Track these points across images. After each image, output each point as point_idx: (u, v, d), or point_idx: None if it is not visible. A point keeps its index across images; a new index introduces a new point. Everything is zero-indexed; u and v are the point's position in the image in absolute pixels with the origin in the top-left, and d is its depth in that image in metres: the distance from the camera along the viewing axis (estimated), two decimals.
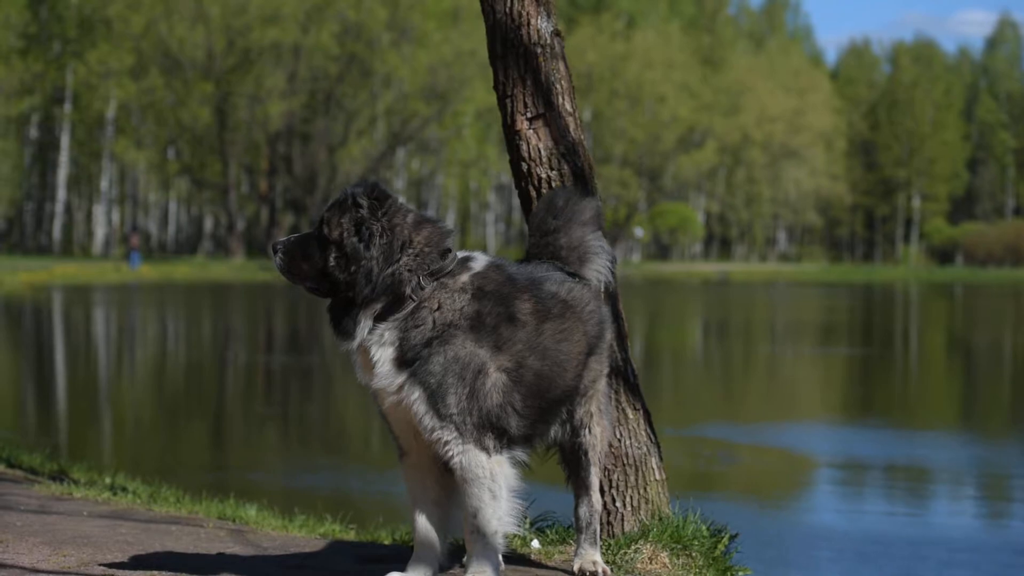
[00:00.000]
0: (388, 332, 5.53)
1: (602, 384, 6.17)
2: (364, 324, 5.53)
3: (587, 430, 6.11)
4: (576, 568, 6.16)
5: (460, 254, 5.68)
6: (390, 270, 5.50)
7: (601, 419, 6.16)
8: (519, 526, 5.69)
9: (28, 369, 26.91)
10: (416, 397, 5.51)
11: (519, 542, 6.81)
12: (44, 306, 46.97)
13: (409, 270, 5.52)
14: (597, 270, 6.15)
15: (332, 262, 5.53)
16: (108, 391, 23.44)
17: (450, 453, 5.53)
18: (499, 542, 5.62)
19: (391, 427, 5.73)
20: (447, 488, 5.73)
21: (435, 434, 5.52)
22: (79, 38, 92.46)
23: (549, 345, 5.73)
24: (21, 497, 8.49)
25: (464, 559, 5.78)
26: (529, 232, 6.30)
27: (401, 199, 5.73)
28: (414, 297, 5.52)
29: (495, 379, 5.57)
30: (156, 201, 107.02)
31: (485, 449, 5.55)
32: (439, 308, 5.54)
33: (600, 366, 6.12)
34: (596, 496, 6.18)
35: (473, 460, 5.53)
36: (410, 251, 5.55)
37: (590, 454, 6.13)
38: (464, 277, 5.60)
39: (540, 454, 6.11)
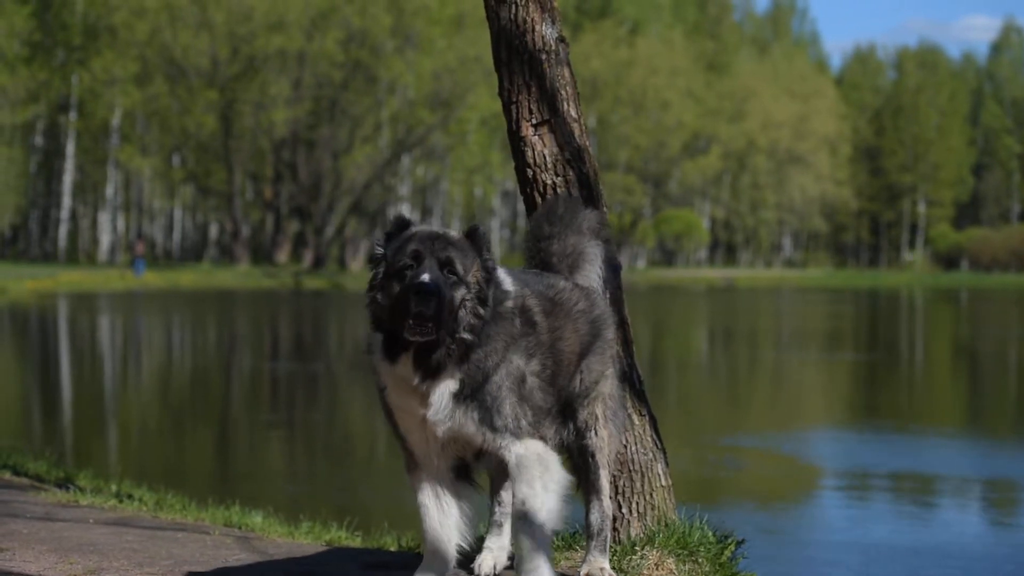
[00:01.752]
0: (456, 373, 5.44)
1: (607, 387, 6.15)
2: (450, 365, 5.41)
3: (592, 432, 6.09)
4: (583, 574, 6.14)
5: None
6: (488, 314, 5.46)
7: (607, 423, 6.16)
8: (565, 525, 5.69)
9: (34, 377, 26.93)
10: (470, 419, 5.46)
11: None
12: (50, 314, 47.01)
13: (478, 315, 5.45)
14: (587, 277, 6.16)
15: (462, 304, 5.37)
16: (114, 398, 23.45)
17: (507, 451, 5.51)
18: (549, 537, 5.57)
19: (409, 442, 5.65)
20: (459, 497, 5.71)
21: (490, 444, 5.51)
22: (84, 46, 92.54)
23: (553, 343, 5.77)
24: (27, 504, 8.49)
25: (512, 550, 5.71)
26: (525, 237, 6.32)
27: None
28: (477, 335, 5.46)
29: (531, 383, 5.61)
30: (161, 208, 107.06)
31: (543, 439, 5.61)
32: (497, 335, 5.50)
33: (602, 367, 6.11)
34: (607, 502, 6.16)
35: (531, 448, 5.52)
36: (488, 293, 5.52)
37: (597, 456, 6.11)
38: (509, 303, 5.56)
39: None
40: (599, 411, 6.11)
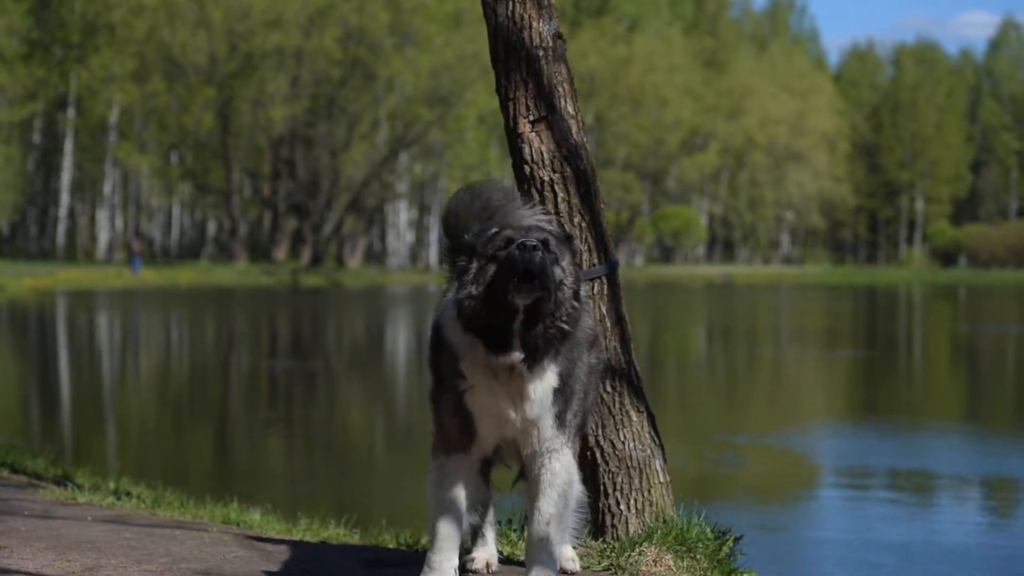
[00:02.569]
0: (553, 365, 5.38)
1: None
2: (552, 352, 5.34)
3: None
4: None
5: None
6: (580, 311, 5.41)
7: (588, 419, 6.24)
8: (577, 539, 5.72)
9: (32, 374, 26.94)
10: (552, 413, 5.44)
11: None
12: (48, 311, 47.01)
13: (575, 305, 5.40)
14: None
15: (561, 287, 5.26)
16: (112, 396, 23.46)
17: (549, 460, 5.49)
18: (559, 552, 5.62)
19: (476, 438, 5.52)
20: (478, 493, 5.69)
21: (549, 443, 5.48)
22: (82, 43, 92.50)
23: (595, 338, 5.85)
24: (25, 502, 8.49)
25: (526, 563, 5.69)
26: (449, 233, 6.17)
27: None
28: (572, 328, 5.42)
29: (592, 380, 5.68)
30: (159, 206, 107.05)
31: (575, 454, 5.61)
32: (586, 330, 5.53)
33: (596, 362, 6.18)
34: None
35: (566, 466, 5.51)
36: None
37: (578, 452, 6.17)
38: (584, 295, 5.54)
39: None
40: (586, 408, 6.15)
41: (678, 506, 6.96)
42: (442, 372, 5.49)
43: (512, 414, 5.38)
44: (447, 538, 5.59)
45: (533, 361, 5.25)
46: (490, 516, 6.14)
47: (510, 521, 7.08)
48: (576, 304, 5.33)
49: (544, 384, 5.36)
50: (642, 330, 38.90)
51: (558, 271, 5.23)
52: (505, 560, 6.41)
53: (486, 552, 6.12)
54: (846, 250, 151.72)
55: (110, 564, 6.41)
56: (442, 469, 5.57)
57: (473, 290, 5.25)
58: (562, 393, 5.42)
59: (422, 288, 73.11)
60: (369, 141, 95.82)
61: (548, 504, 5.51)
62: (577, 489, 5.60)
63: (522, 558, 6.56)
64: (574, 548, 6.22)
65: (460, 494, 5.59)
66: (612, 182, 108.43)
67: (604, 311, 6.90)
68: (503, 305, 5.17)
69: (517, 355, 5.23)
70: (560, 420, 5.46)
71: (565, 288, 5.27)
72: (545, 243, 5.23)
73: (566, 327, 5.27)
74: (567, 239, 5.48)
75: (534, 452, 5.50)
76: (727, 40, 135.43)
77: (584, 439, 6.84)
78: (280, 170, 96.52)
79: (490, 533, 6.17)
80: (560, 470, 5.49)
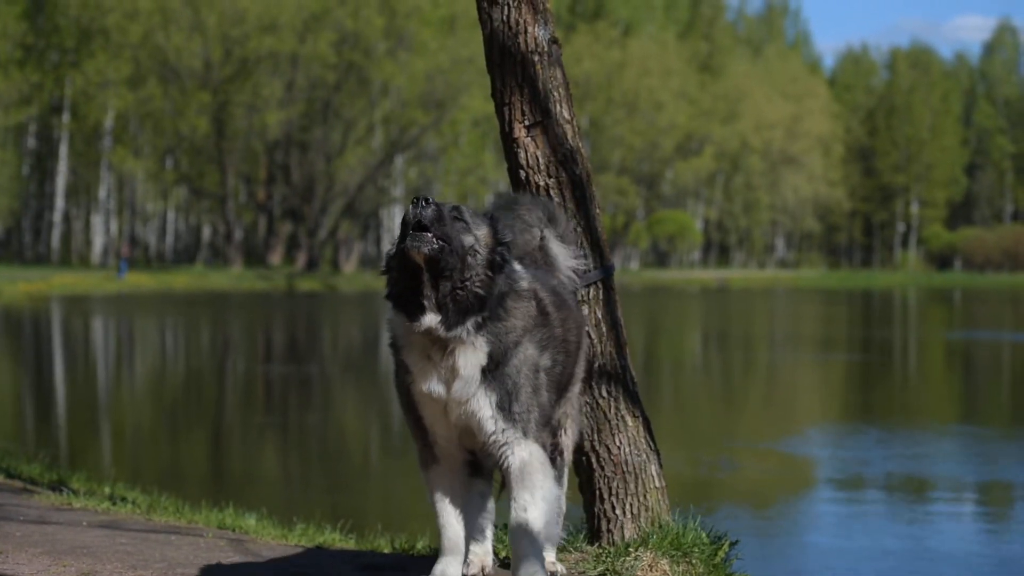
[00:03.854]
0: (480, 339, 5.45)
1: (577, 387, 6.23)
2: (469, 325, 5.41)
3: (563, 431, 6.18)
4: None
5: None
6: (501, 289, 5.47)
7: (573, 422, 6.26)
8: (563, 530, 5.72)
9: (27, 379, 26.91)
10: (489, 401, 5.48)
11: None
12: (43, 316, 46.97)
13: (489, 274, 5.48)
14: (560, 271, 6.28)
15: (471, 252, 5.37)
16: (107, 401, 23.44)
17: (510, 451, 5.52)
18: (544, 543, 5.63)
19: (431, 435, 5.67)
20: (471, 493, 5.78)
21: (497, 436, 5.51)
22: (77, 48, 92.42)
23: (564, 336, 5.83)
24: (21, 507, 8.48)
25: (511, 555, 5.72)
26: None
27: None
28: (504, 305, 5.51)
29: (542, 378, 5.64)
30: (154, 211, 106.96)
31: (544, 446, 5.60)
32: (520, 316, 5.54)
33: (581, 368, 6.20)
34: (563, 499, 6.24)
35: (535, 455, 5.54)
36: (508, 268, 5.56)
37: (565, 455, 6.20)
38: (524, 283, 5.59)
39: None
40: (569, 409, 6.19)
41: (674, 511, 6.96)
42: (397, 377, 5.64)
43: (445, 393, 5.46)
44: (449, 549, 5.71)
45: (448, 324, 5.34)
46: (488, 516, 6.16)
47: (506, 526, 7.07)
48: (491, 273, 5.40)
49: (472, 359, 5.42)
50: (637, 335, 38.90)
51: (468, 238, 5.36)
52: (504, 564, 6.41)
53: (482, 551, 6.14)
54: (841, 254, 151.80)
55: (105, 569, 6.40)
56: (428, 482, 5.72)
57: (392, 262, 5.46)
58: (497, 378, 5.46)
59: None
60: (364, 145, 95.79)
61: (522, 492, 5.55)
62: (552, 483, 5.61)
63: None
64: (571, 552, 6.23)
65: (454, 502, 5.69)
66: (607, 186, 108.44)
67: (599, 316, 6.91)
68: (406, 261, 5.33)
69: (431, 317, 5.34)
70: (505, 411, 5.48)
71: (478, 256, 5.37)
72: (458, 209, 5.40)
73: (480, 291, 5.36)
74: (491, 217, 5.56)
75: (486, 445, 5.54)
76: (722, 44, 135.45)
77: (579, 444, 6.84)
78: (275, 175, 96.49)
79: (487, 533, 6.19)
80: (529, 459, 5.53)
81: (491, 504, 6.09)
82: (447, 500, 5.70)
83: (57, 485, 10.02)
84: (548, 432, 5.70)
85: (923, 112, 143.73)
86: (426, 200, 5.29)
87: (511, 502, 5.58)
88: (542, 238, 6.27)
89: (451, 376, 5.45)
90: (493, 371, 5.45)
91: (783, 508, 14.28)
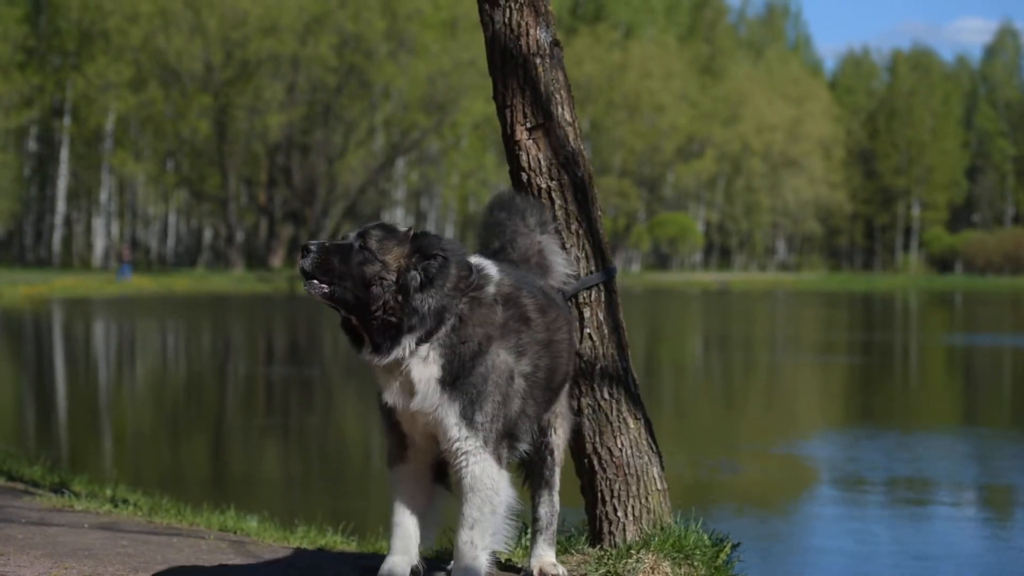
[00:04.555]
0: (432, 352, 5.52)
1: (566, 386, 6.26)
2: (407, 344, 5.50)
3: (553, 430, 6.20)
4: (536, 570, 6.24)
5: (471, 261, 5.72)
6: (437, 301, 5.51)
7: (564, 421, 6.27)
8: (508, 546, 5.74)
9: (28, 382, 26.91)
10: (453, 411, 5.53)
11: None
12: (44, 319, 46.97)
13: (450, 295, 5.53)
14: (555, 276, 6.32)
15: (377, 280, 5.47)
16: (108, 403, 23.44)
17: (466, 462, 5.57)
18: (488, 557, 5.66)
19: (400, 437, 5.74)
20: (431, 498, 5.81)
21: (460, 444, 5.56)
22: (78, 51, 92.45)
23: (550, 339, 5.84)
24: (22, 510, 8.48)
25: (451, 569, 5.77)
26: (484, 229, 6.37)
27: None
28: (450, 316, 5.53)
29: (517, 384, 5.67)
30: (155, 213, 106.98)
31: (499, 460, 5.62)
32: (480, 323, 5.57)
33: (570, 367, 6.21)
34: (557, 497, 6.27)
35: (486, 471, 5.57)
36: (451, 278, 5.56)
37: (556, 454, 6.23)
38: (491, 288, 5.64)
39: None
40: (559, 409, 6.21)
41: (675, 513, 6.96)
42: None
43: (407, 405, 5.57)
44: (398, 549, 5.77)
45: (380, 351, 5.49)
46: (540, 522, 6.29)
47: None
48: (399, 298, 5.47)
49: (425, 373, 5.52)
50: (639, 337, 38.89)
51: (372, 267, 5.46)
52: (504, 567, 6.40)
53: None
54: (842, 256, 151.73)
55: (107, 572, 6.40)
56: (391, 480, 5.82)
57: None
58: (460, 388, 5.52)
59: None
60: (365, 148, 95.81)
61: (471, 509, 5.61)
62: (505, 495, 5.64)
63: (518, 564, 6.57)
64: (572, 554, 6.24)
65: (413, 503, 5.76)
66: (608, 189, 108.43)
67: (601, 318, 6.91)
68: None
69: (366, 348, 5.54)
70: (467, 419, 5.53)
71: (385, 282, 5.47)
72: (364, 236, 5.52)
73: (391, 319, 5.45)
74: (415, 234, 5.60)
75: (447, 452, 5.61)
76: (723, 46, 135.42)
77: (581, 446, 6.85)
78: (276, 177, 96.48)
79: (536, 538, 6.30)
80: (480, 475, 5.57)
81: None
82: (406, 500, 5.77)
83: (58, 487, 10.01)
84: (508, 443, 5.70)
85: (924, 115, 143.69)
86: (305, 249, 5.47)
87: (459, 514, 5.64)
88: (540, 243, 6.30)
89: (411, 389, 5.55)
90: (453, 382, 5.53)
91: (785, 510, 14.27)
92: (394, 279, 5.47)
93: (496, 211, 6.33)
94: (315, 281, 5.43)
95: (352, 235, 5.55)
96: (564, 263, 6.40)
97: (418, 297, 5.47)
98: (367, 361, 5.55)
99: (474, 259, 5.75)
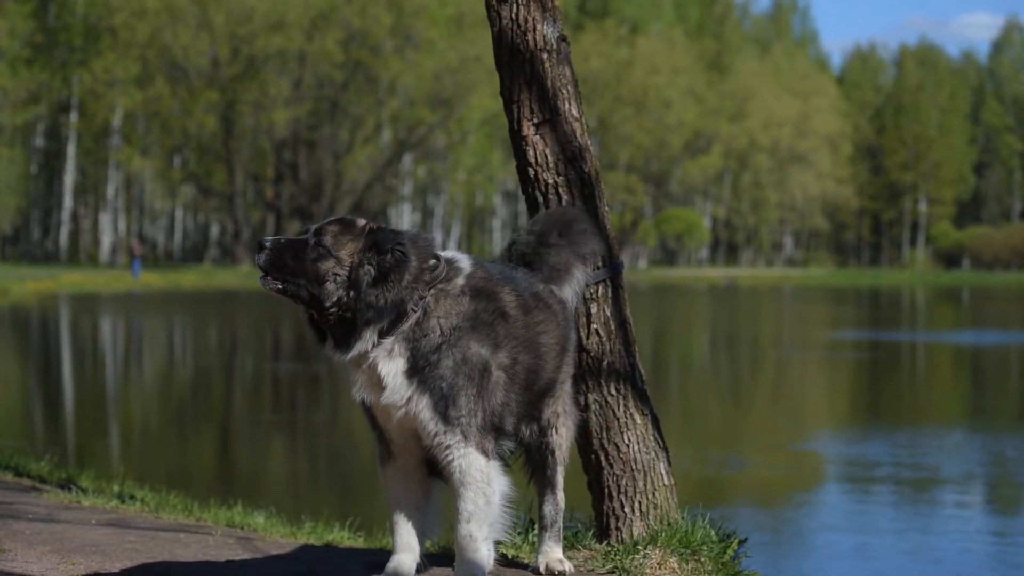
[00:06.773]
0: (397, 345, 5.56)
1: (568, 385, 6.25)
2: (368, 338, 5.54)
3: (554, 430, 6.19)
4: (542, 567, 6.23)
5: (443, 255, 5.72)
6: (394, 295, 5.53)
7: (567, 420, 6.25)
8: (508, 534, 5.74)
9: (35, 378, 26.93)
10: (425, 404, 5.55)
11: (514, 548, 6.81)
12: (51, 315, 47.02)
13: (410, 287, 5.54)
14: (563, 290, 6.25)
15: (331, 276, 5.52)
16: (115, 399, 23.46)
17: (451, 457, 5.59)
18: (488, 548, 5.67)
19: (384, 434, 5.79)
20: (427, 492, 5.84)
21: (439, 438, 5.58)
22: (85, 47, 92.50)
23: (533, 338, 5.83)
24: (29, 506, 8.49)
25: (454, 564, 5.77)
26: (527, 231, 6.31)
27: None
28: (415, 308, 5.54)
29: (496, 377, 5.66)
30: (162, 209, 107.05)
31: (485, 452, 5.62)
32: (445, 315, 5.58)
33: (569, 368, 6.20)
34: (561, 495, 6.28)
35: (473, 464, 5.58)
36: (411, 270, 5.56)
37: (557, 453, 6.21)
38: (459, 280, 5.66)
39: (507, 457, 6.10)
40: (560, 408, 6.19)
41: (682, 509, 6.96)
42: None
43: (377, 399, 5.63)
44: (401, 547, 5.83)
45: (340, 347, 5.59)
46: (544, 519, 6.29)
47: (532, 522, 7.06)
48: (351, 293, 5.52)
49: (390, 367, 5.58)
50: (646, 333, 38.87)
51: (326, 264, 5.51)
52: (510, 563, 6.40)
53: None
54: (849, 252, 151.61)
55: (114, 567, 6.41)
56: (384, 479, 5.87)
57: None
58: (428, 380, 5.55)
59: None
60: (372, 144, 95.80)
61: (465, 503, 5.62)
62: (498, 485, 5.65)
63: (525, 560, 6.57)
64: (580, 550, 6.24)
65: (408, 500, 5.81)
66: (615, 184, 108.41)
67: (608, 313, 6.91)
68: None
69: (328, 343, 5.65)
70: (440, 413, 5.55)
71: (338, 278, 5.52)
72: (319, 233, 5.57)
73: (345, 314, 5.53)
74: (371, 229, 5.61)
75: (431, 449, 5.64)
76: (730, 42, 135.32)
77: (588, 442, 6.85)
78: (283, 173, 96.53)
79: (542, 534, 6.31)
80: (468, 468, 5.59)
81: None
82: (400, 498, 5.81)
83: (65, 483, 10.02)
84: (494, 436, 5.69)
85: (931, 110, 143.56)
86: (260, 245, 5.54)
87: (455, 509, 5.65)
88: (578, 269, 6.30)
89: (379, 383, 5.60)
90: (421, 374, 5.55)
91: (792, 506, 14.26)
92: (347, 275, 5.51)
93: (548, 227, 6.30)
94: (269, 278, 5.52)
95: (310, 231, 5.58)
96: (577, 289, 6.35)
97: (371, 292, 5.49)
98: (331, 357, 5.62)
99: (449, 253, 5.76)
